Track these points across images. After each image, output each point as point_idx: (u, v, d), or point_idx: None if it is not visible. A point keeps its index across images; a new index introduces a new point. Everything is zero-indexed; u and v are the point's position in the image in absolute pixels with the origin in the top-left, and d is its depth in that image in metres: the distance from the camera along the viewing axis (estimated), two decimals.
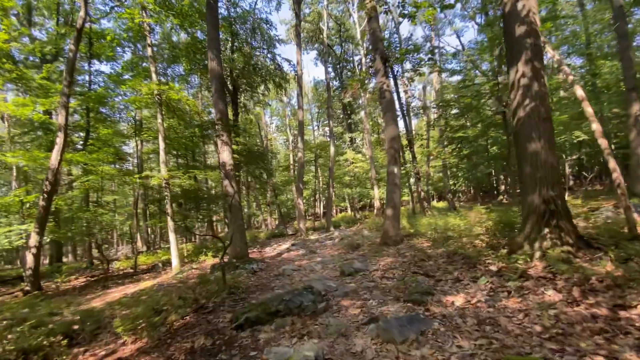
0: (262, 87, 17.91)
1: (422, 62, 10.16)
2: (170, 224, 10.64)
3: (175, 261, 10.61)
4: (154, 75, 10.99)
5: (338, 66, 29.03)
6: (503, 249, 5.06)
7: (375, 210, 22.29)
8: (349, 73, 29.81)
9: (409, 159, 15.62)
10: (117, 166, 17.35)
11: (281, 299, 4.01)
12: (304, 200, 24.39)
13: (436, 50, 18.53)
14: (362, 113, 31.41)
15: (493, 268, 4.56)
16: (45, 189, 9.48)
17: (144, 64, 16.02)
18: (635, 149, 11.35)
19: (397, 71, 14.78)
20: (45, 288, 10.54)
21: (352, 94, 13.20)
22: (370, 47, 9.43)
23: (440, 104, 14.05)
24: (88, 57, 17.46)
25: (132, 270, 13.18)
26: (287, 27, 28.40)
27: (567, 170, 23.55)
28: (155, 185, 13.78)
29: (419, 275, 5.10)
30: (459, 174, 20.62)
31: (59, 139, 9.98)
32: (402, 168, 14.70)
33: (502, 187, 26.38)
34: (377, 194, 21.30)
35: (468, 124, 17.36)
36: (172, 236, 10.65)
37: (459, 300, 3.90)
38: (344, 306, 4.35)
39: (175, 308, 4.86)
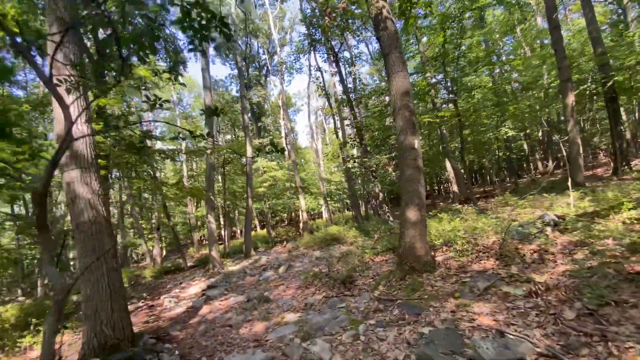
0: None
1: None
2: None
3: None
4: None
5: (244, 63, 24.45)
6: None
7: (301, 225, 18.29)
8: (255, 72, 25.61)
9: (351, 152, 12.39)
10: None
11: None
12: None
13: None
14: (268, 120, 27.47)
15: None
16: None
17: None
18: (575, 138, 11.10)
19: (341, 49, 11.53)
20: None
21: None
22: None
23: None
24: None
25: None
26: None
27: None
28: None
29: None
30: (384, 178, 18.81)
31: None
32: (352, 164, 11.45)
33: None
34: (304, 204, 17.45)
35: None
36: None
37: None
38: None
39: None
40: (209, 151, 11.54)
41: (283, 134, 21.14)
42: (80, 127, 4.00)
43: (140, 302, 8.14)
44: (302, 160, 28.85)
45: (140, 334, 4.73)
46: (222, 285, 8.30)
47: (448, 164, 15.83)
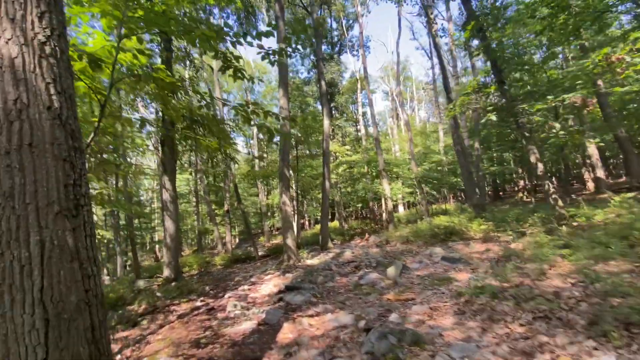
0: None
1: None
2: None
3: None
4: None
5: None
6: None
7: (384, 214, 15.07)
8: (328, 48, 23.06)
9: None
10: None
11: None
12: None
13: None
14: (342, 99, 24.61)
15: None
16: None
17: None
18: None
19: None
20: None
21: None
22: None
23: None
24: None
25: None
26: None
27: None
28: None
29: None
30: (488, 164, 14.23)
31: None
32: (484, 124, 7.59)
33: (521, 183, 21.05)
34: (389, 190, 14.13)
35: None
36: None
37: None
38: None
39: None
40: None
41: (360, 111, 18.08)
42: None
43: (199, 301, 5.92)
44: (388, 137, 25.24)
45: None
46: (306, 287, 5.60)
47: (590, 142, 10.79)
